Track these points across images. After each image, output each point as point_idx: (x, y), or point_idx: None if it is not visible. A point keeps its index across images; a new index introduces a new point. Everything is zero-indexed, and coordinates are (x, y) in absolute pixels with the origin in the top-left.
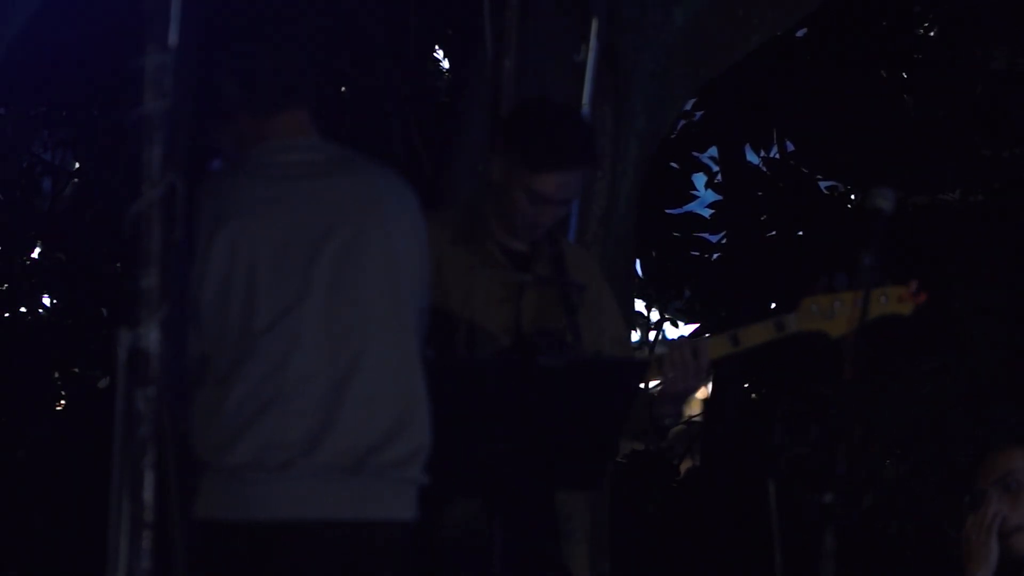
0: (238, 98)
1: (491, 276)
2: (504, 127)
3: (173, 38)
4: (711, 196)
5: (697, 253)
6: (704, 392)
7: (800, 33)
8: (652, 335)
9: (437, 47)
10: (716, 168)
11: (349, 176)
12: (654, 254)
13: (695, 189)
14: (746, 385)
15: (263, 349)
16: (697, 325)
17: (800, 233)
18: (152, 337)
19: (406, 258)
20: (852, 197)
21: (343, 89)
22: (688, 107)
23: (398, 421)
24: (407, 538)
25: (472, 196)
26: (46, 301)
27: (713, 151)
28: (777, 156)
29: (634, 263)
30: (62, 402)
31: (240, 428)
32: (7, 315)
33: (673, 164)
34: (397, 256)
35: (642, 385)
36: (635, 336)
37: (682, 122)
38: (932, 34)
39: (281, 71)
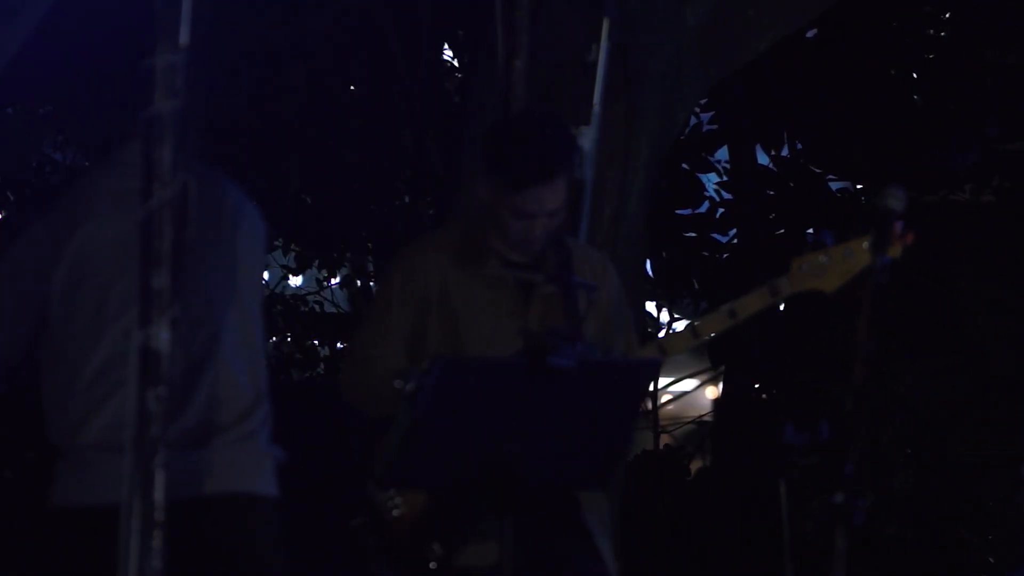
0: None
1: (496, 293)
2: (482, 150)
3: (184, 38)
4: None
5: (707, 253)
6: (714, 392)
7: (810, 34)
8: (662, 335)
9: (447, 47)
10: (722, 169)
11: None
12: (664, 254)
13: (706, 189)
14: (756, 385)
15: (111, 336)
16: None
17: (810, 232)
18: (163, 337)
19: (246, 256)
20: (863, 197)
21: (353, 88)
22: (699, 107)
23: (247, 401)
24: (263, 510)
25: (469, 214)
26: None
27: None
28: (787, 155)
29: (645, 263)
30: None
31: (88, 410)
32: None
33: (684, 165)
34: (238, 252)
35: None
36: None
37: (693, 122)
38: (943, 34)
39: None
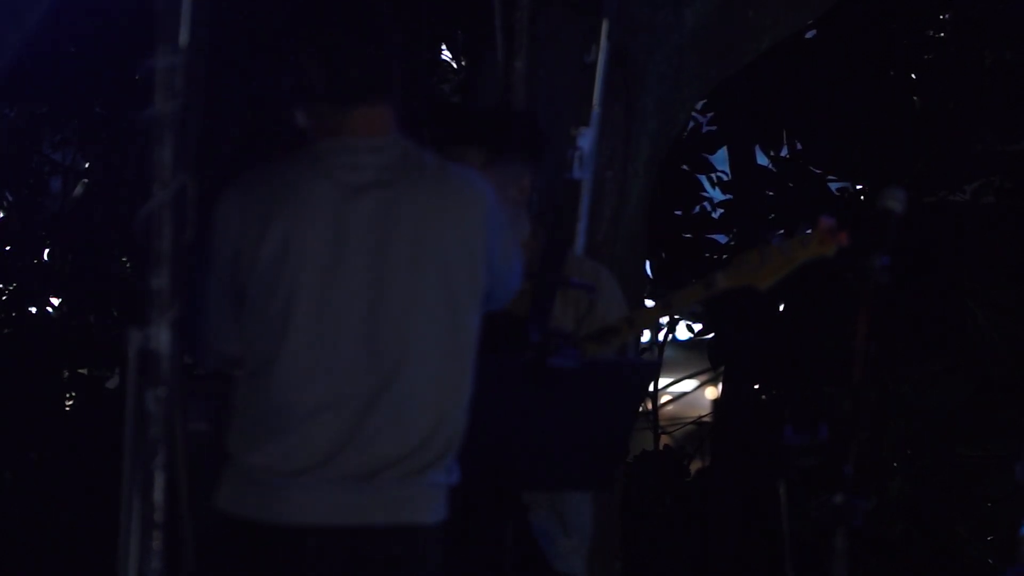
0: (323, 84)
1: None
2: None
3: (184, 38)
4: (719, 197)
5: (707, 254)
6: (714, 392)
7: (810, 34)
8: (661, 336)
9: (445, 48)
10: (721, 171)
11: (410, 186)
12: (664, 255)
13: (704, 191)
14: (756, 386)
15: (300, 352)
16: (701, 325)
17: (811, 231)
18: (162, 338)
19: (459, 268)
20: (862, 198)
21: None
22: (698, 108)
23: (427, 432)
24: (429, 542)
25: None
26: (55, 301)
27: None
28: (787, 156)
29: (644, 264)
30: (70, 402)
31: (266, 432)
32: (16, 315)
33: (683, 166)
34: (449, 268)
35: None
36: (645, 337)
37: (692, 123)
38: (942, 35)
39: (366, 62)
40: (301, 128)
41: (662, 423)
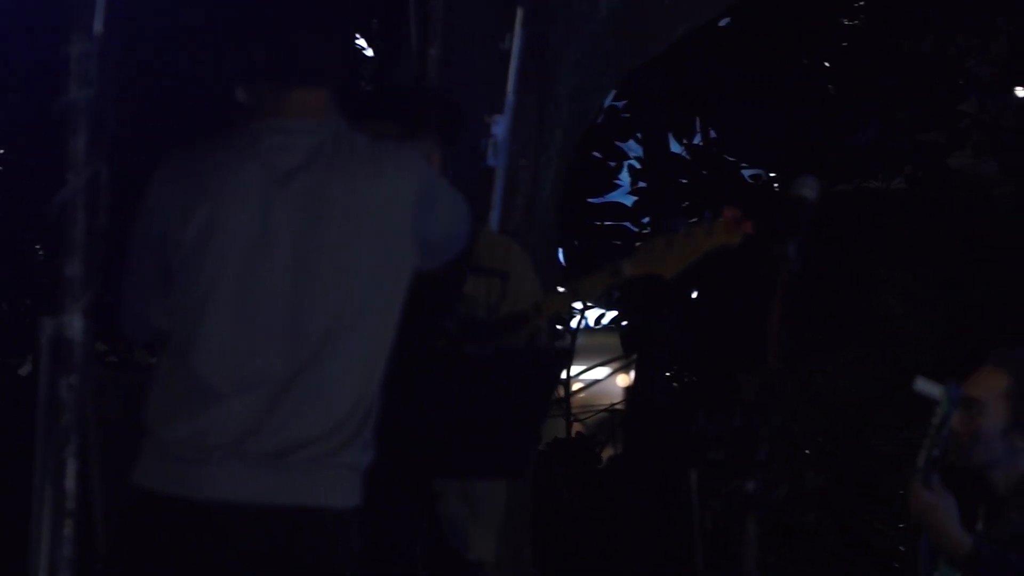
0: (265, 64)
1: None
2: None
3: (98, 26)
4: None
5: (620, 242)
6: (626, 380)
7: (724, 22)
8: (574, 323)
9: (359, 36)
10: (636, 158)
11: (340, 170)
12: (577, 243)
13: (618, 178)
14: (668, 374)
15: (220, 331)
16: (616, 313)
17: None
18: (75, 325)
19: (386, 253)
20: (775, 185)
21: None
22: (612, 96)
23: (343, 415)
24: (339, 526)
25: None
26: None
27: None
28: (700, 144)
29: (557, 252)
30: None
31: (186, 408)
32: None
33: (596, 154)
34: (375, 252)
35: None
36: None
37: (606, 110)
38: (857, 23)
39: (307, 46)
40: (234, 109)
41: (574, 410)
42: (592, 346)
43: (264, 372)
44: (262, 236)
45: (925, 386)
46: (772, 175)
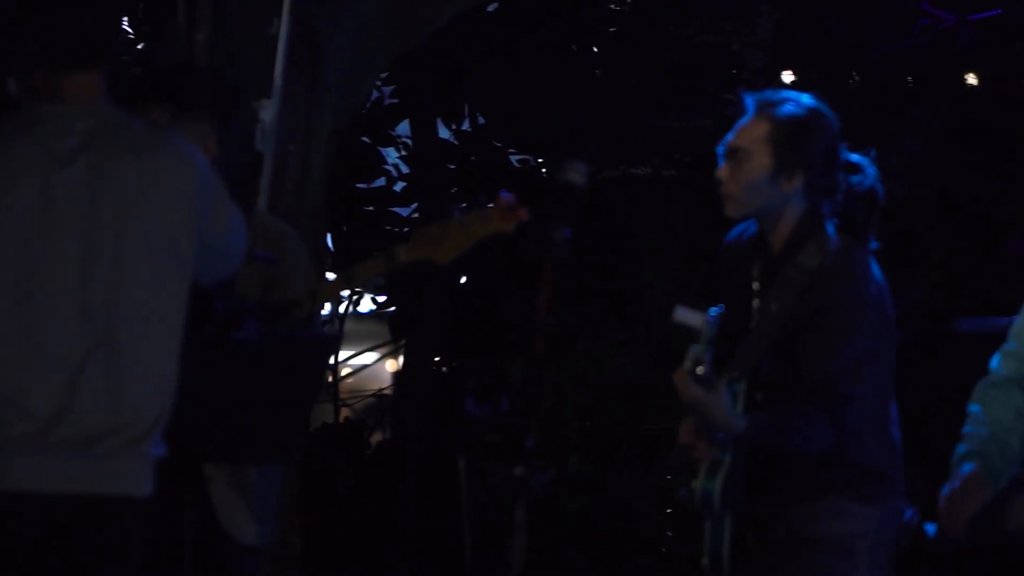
0: (38, 49)
1: None
2: None
3: None
4: (401, 169)
5: (389, 227)
6: (394, 364)
7: (492, 7)
8: (343, 308)
9: (125, 19)
10: (403, 143)
11: (120, 153)
12: (345, 228)
13: (387, 163)
14: (436, 359)
15: (10, 322)
16: (385, 297)
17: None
18: None
19: (169, 235)
20: (544, 171)
21: None
22: (380, 81)
23: (140, 401)
24: (140, 515)
25: None
26: None
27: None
28: (469, 129)
29: (326, 237)
30: None
31: None
32: None
33: (365, 139)
34: (159, 234)
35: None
36: (326, 309)
37: (375, 94)
38: (624, 7)
39: (81, 29)
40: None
41: (343, 395)
42: (360, 332)
43: (56, 360)
44: (43, 221)
45: (685, 315)
46: (540, 160)
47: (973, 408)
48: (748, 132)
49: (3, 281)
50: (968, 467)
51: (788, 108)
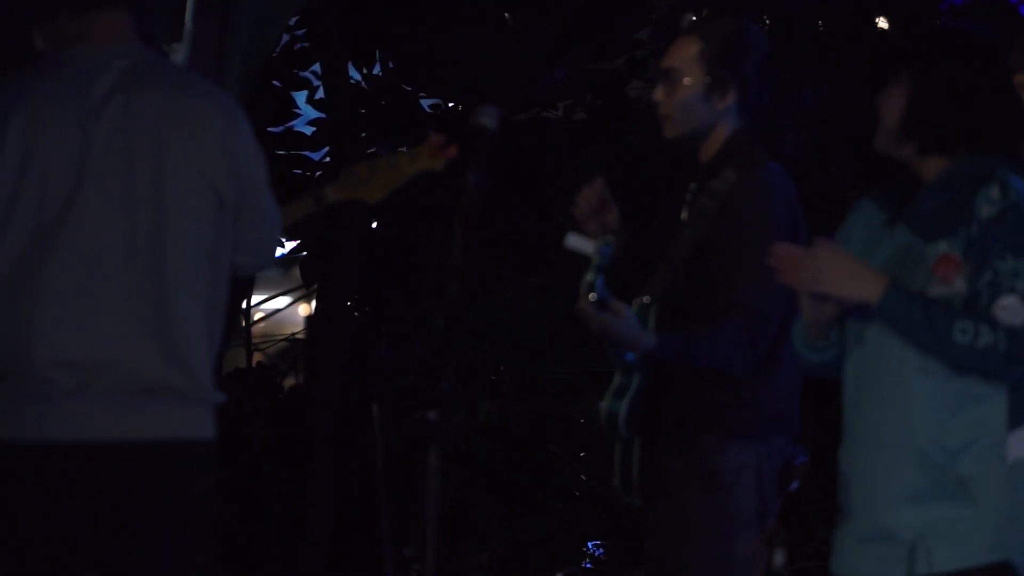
0: None
1: None
2: None
3: None
4: (313, 114)
5: (300, 171)
6: (307, 309)
7: None
8: None
9: None
10: (318, 84)
11: (157, 91)
12: None
13: (297, 107)
14: (349, 303)
15: (57, 269)
16: (298, 241)
17: (403, 150)
18: None
19: (216, 179)
20: (456, 115)
21: None
22: (292, 24)
23: (198, 353)
24: (200, 455)
25: None
26: None
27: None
28: (380, 74)
29: None
30: None
31: (32, 341)
32: None
33: (276, 82)
34: (202, 176)
35: None
36: None
37: (286, 38)
38: None
39: None
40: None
41: (255, 340)
42: (272, 276)
43: (110, 309)
44: (83, 164)
45: (577, 242)
46: (452, 105)
47: None
48: (680, 51)
49: (50, 232)
50: None
51: (719, 25)
